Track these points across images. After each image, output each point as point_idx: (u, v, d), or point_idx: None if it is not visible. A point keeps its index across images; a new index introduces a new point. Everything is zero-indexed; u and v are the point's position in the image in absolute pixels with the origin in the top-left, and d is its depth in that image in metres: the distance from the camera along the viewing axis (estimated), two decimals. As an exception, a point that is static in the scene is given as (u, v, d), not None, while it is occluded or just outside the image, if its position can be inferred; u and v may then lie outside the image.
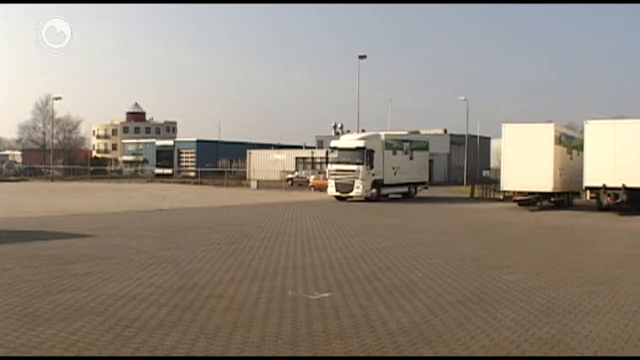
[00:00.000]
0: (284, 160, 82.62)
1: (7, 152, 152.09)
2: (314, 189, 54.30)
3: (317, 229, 22.67)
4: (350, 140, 41.78)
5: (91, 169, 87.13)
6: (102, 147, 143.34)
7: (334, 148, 41.61)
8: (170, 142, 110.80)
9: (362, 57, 60.36)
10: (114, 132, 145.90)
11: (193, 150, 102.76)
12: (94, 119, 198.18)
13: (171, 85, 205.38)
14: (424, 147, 48.17)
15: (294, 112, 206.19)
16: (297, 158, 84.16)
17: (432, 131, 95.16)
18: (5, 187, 55.71)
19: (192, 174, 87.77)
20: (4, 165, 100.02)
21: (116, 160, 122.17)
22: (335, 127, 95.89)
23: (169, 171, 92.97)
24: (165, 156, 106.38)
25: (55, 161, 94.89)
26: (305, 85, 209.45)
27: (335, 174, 40.90)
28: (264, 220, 26.18)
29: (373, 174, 40.35)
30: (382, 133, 43.83)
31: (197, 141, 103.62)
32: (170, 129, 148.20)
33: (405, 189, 44.65)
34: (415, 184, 46.01)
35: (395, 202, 41.18)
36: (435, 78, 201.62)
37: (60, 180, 78.21)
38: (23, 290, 10.89)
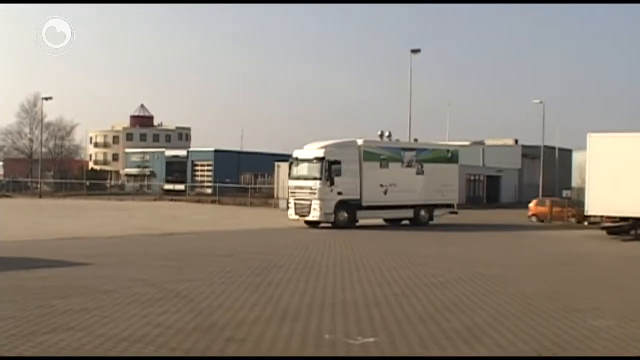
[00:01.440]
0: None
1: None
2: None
3: (359, 258, 22.64)
4: (310, 150, 39.19)
5: (87, 183, 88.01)
6: (100, 158, 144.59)
7: (296, 159, 39.56)
8: (182, 152, 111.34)
9: (414, 51, 60.20)
10: (115, 139, 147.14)
11: (210, 162, 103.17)
12: (92, 123, 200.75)
13: (184, 84, 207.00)
14: (447, 157, 43.98)
15: (331, 118, 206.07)
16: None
17: (500, 141, 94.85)
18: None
19: (209, 190, 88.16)
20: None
21: (117, 173, 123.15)
22: (381, 135, 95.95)
23: (180, 187, 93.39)
24: (176, 169, 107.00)
25: (44, 173, 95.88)
26: (345, 87, 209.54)
27: (294, 192, 39.11)
28: (296, 247, 26.21)
29: (339, 192, 37.64)
30: (360, 140, 40.17)
31: (215, 151, 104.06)
32: (182, 136, 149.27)
33: (408, 213, 41.01)
34: (430, 207, 42.03)
35: (448, 229, 40.57)
36: (504, 77, 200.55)
37: (50, 197, 79.14)
38: (3, 329, 10.96)
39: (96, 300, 13.70)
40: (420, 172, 41.58)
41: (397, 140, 45.10)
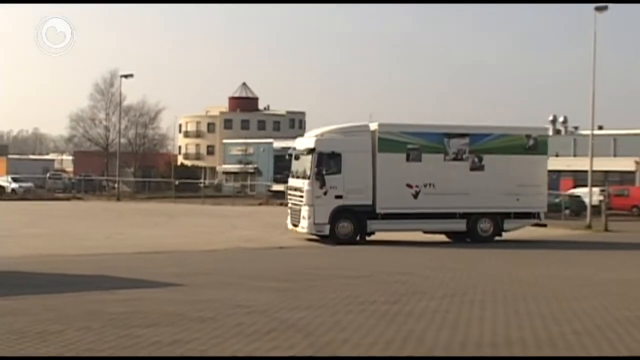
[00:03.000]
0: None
1: (52, 155, 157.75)
2: None
3: (527, 284, 22.35)
4: (307, 138, 38.48)
5: (176, 182, 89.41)
6: (192, 151, 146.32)
7: (294, 150, 38.59)
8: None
9: (600, 9, 58.61)
10: (211, 127, 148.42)
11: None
12: (181, 107, 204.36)
13: (296, 58, 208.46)
14: (526, 146, 38.43)
15: (483, 101, 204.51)
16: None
17: None
18: (50, 208, 58.37)
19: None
20: (48, 175, 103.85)
21: (213, 170, 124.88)
22: (554, 121, 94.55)
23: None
24: (287, 165, 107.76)
25: (122, 170, 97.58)
26: (508, 58, 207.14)
27: (290, 195, 38.66)
28: (445, 267, 26.12)
29: (338, 196, 35.09)
30: (374, 123, 37.28)
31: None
32: (295, 123, 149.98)
33: (457, 225, 37.09)
34: (496, 216, 37.40)
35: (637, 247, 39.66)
36: None
37: (130, 199, 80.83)
38: (79, 365, 11.29)
39: (190, 330, 13.95)
40: (477, 167, 37.22)
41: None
